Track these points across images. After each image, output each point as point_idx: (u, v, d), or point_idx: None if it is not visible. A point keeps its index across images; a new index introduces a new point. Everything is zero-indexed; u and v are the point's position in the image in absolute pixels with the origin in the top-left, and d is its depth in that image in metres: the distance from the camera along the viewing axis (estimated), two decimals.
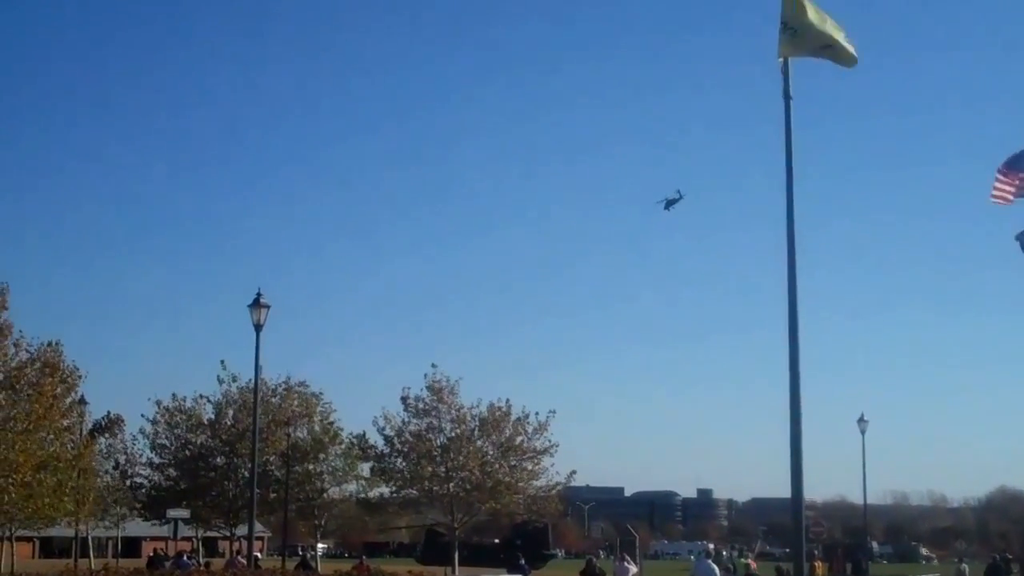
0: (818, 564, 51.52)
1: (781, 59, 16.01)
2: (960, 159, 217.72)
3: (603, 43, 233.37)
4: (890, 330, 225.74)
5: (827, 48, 15.96)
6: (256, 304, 34.38)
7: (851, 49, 16.08)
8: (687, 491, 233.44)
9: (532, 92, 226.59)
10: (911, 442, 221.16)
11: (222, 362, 55.71)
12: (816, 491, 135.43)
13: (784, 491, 16.00)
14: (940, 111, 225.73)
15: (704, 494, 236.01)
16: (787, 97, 15.98)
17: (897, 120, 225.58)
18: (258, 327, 34.46)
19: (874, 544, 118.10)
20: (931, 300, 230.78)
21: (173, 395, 56.78)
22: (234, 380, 55.59)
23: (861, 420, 58.89)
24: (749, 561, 69.69)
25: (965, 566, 60.50)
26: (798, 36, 15.74)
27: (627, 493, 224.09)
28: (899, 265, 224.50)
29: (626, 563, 48.25)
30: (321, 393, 57.52)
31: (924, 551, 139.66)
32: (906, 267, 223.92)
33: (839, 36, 15.96)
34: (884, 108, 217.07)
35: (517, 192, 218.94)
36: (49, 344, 39.89)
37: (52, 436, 41.04)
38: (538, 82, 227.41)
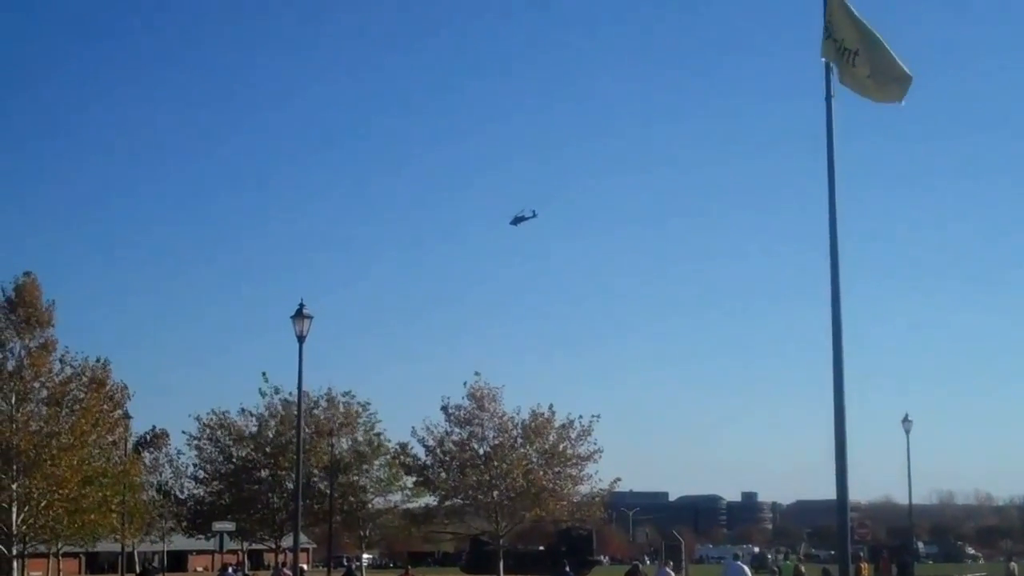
0: (863, 566, 51.03)
1: (824, 59, 15.85)
2: (1005, 159, 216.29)
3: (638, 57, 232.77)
4: (934, 329, 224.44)
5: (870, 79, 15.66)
6: (299, 315, 34.44)
7: (899, 76, 15.66)
8: (731, 495, 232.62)
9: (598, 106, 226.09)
10: (956, 441, 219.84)
11: (263, 374, 55.92)
12: (861, 492, 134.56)
13: (829, 493, 15.91)
14: (982, 111, 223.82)
15: (748, 497, 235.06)
16: (829, 98, 15.87)
17: (943, 122, 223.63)
18: (301, 338, 34.50)
19: (920, 544, 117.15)
20: (975, 298, 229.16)
21: (213, 410, 57.07)
22: (276, 392, 55.71)
23: (905, 420, 58.45)
24: (799, 564, 69.22)
25: (1014, 564, 59.84)
26: (841, 49, 15.56)
27: (671, 498, 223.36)
28: (943, 264, 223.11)
29: (668, 570, 48.05)
30: (368, 403, 57.58)
31: (970, 550, 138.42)
32: (950, 266, 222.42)
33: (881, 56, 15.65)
34: (928, 111, 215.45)
35: (563, 205, 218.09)
36: (97, 360, 40.33)
37: (98, 451, 41.42)
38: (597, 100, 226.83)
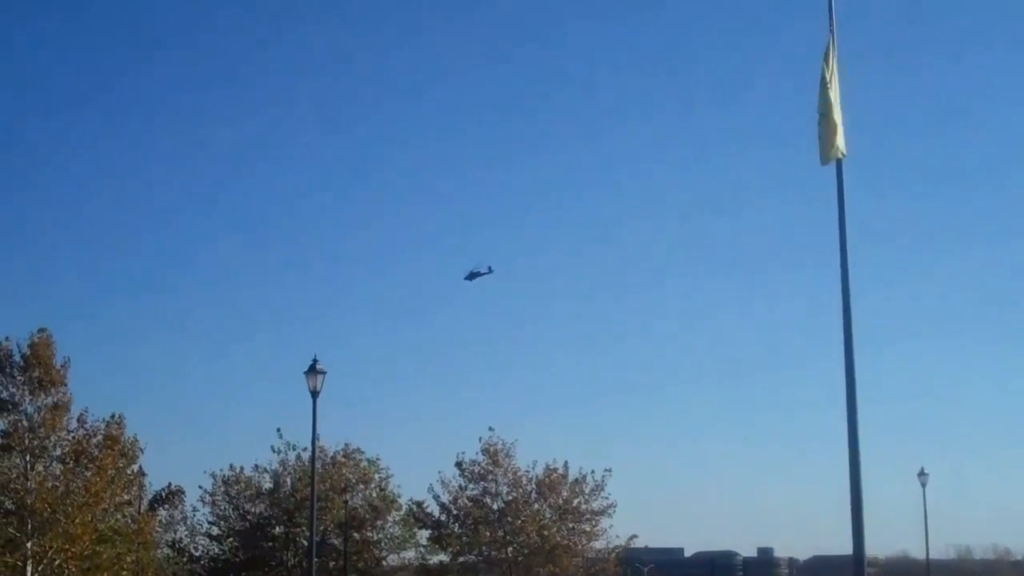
0: None
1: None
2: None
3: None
4: (950, 382, 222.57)
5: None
6: (312, 370, 34.56)
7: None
8: (747, 550, 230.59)
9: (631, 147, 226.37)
10: (973, 495, 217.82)
11: (278, 430, 55.85)
12: (878, 547, 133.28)
13: (846, 548, 15.85)
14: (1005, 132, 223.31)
15: (765, 553, 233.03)
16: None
17: (956, 149, 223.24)
18: (314, 393, 34.62)
19: None
20: (991, 350, 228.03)
21: (231, 465, 57.01)
22: (292, 448, 55.62)
23: (922, 474, 58.27)
24: None
25: None
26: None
27: (687, 554, 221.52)
28: (959, 317, 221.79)
29: None
30: (378, 459, 57.46)
31: None
32: (967, 317, 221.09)
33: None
34: (938, 125, 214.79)
35: (566, 268, 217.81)
36: (112, 417, 40.39)
37: (112, 509, 41.43)
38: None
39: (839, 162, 16.06)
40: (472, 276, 61.75)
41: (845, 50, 16.50)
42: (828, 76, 16.01)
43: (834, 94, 15.99)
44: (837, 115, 15.95)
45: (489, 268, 62.05)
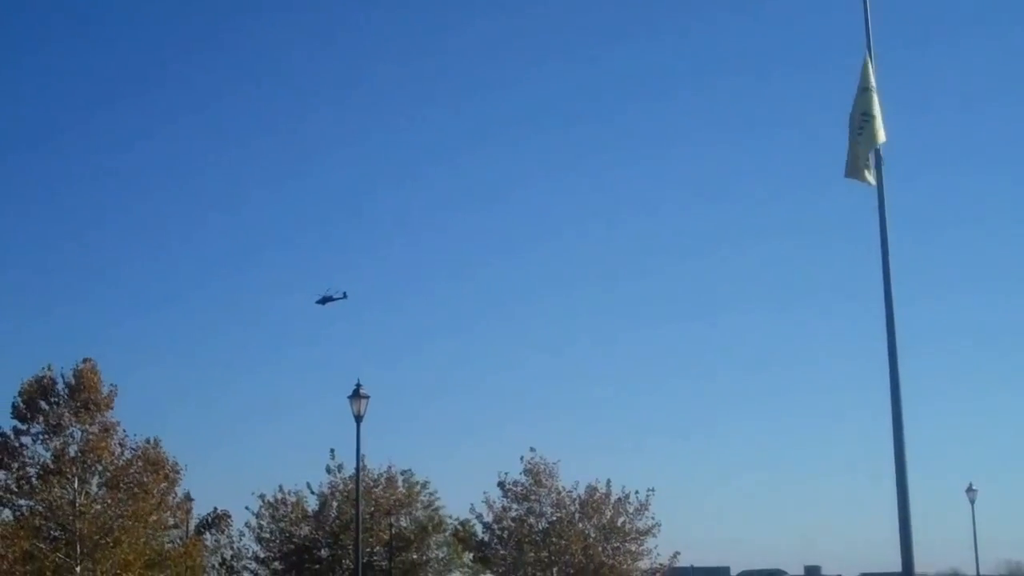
0: None
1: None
2: None
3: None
4: (997, 395, 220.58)
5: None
6: (356, 395, 34.72)
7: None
8: (794, 568, 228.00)
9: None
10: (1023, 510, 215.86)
11: (331, 451, 55.94)
12: (928, 564, 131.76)
13: (895, 565, 15.75)
14: None
15: (812, 571, 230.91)
16: (879, 165, 16.00)
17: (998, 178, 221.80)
18: (359, 418, 34.81)
19: None
20: None
21: (280, 486, 57.18)
22: (340, 470, 55.73)
23: (970, 490, 57.85)
24: None
25: None
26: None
27: (733, 572, 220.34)
28: (1009, 328, 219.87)
29: None
30: (427, 481, 57.49)
31: None
32: (1017, 329, 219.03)
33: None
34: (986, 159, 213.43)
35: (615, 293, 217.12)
36: (147, 441, 40.73)
37: (159, 533, 41.73)
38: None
39: (878, 157, 16.00)
40: (324, 300, 62.28)
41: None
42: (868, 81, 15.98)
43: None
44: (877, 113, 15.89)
45: (344, 294, 62.39)
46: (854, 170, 16.10)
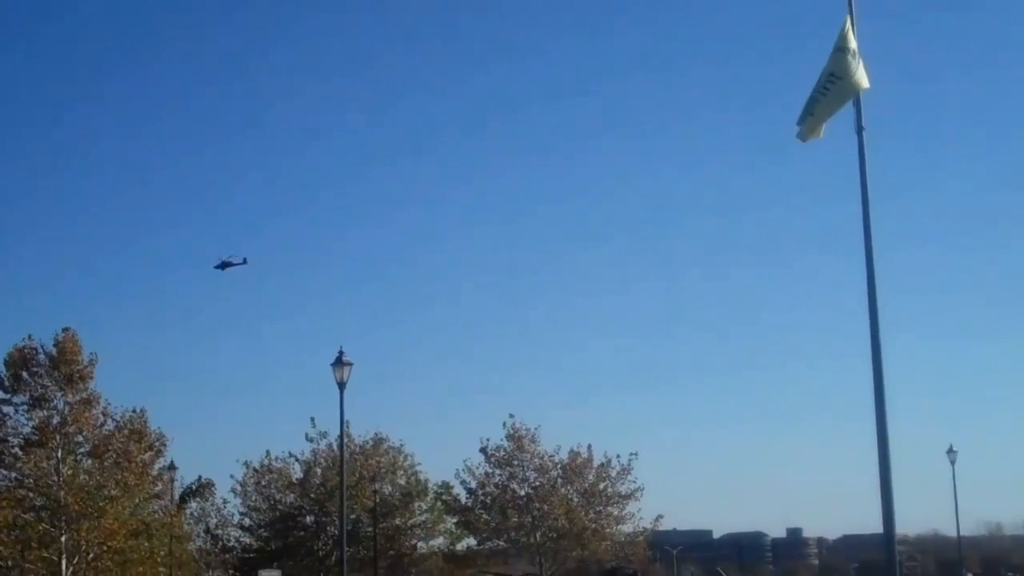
0: None
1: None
2: None
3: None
4: (977, 357, 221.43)
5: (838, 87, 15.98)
6: (339, 363, 34.66)
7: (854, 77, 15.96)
8: (776, 531, 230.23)
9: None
10: (1003, 471, 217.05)
11: (312, 419, 55.88)
12: (908, 525, 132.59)
13: (875, 526, 15.85)
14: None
15: (793, 533, 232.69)
16: (860, 131, 15.99)
17: (982, 136, 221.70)
18: (341, 385, 34.74)
19: None
20: (1021, 325, 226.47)
21: (267, 452, 57.19)
22: (323, 437, 55.67)
23: (950, 451, 58.15)
24: None
25: None
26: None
27: (716, 535, 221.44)
28: (987, 288, 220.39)
29: None
30: (402, 445, 57.48)
31: None
32: (994, 290, 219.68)
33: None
34: (961, 116, 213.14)
35: (594, 256, 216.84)
36: (134, 411, 40.71)
37: (143, 502, 41.77)
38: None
39: (860, 138, 15.99)
40: (224, 265, 62.54)
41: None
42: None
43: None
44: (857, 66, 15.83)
45: (244, 259, 62.75)
46: (806, 125, 16.04)
